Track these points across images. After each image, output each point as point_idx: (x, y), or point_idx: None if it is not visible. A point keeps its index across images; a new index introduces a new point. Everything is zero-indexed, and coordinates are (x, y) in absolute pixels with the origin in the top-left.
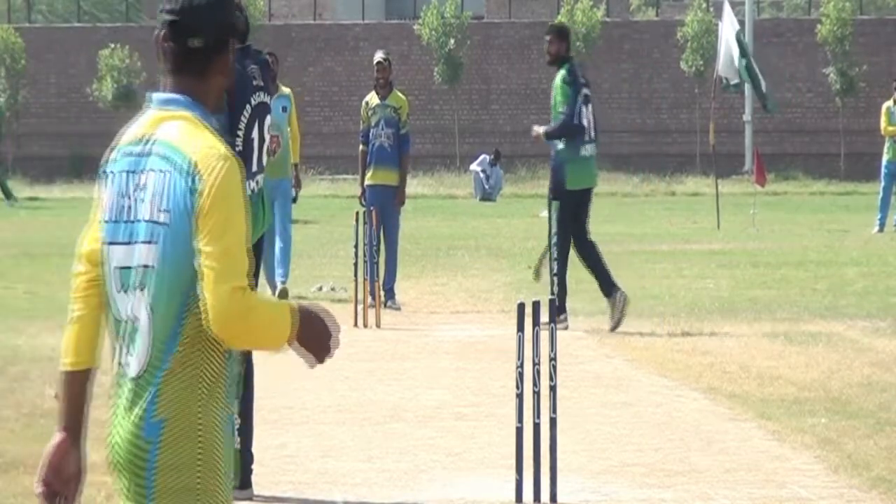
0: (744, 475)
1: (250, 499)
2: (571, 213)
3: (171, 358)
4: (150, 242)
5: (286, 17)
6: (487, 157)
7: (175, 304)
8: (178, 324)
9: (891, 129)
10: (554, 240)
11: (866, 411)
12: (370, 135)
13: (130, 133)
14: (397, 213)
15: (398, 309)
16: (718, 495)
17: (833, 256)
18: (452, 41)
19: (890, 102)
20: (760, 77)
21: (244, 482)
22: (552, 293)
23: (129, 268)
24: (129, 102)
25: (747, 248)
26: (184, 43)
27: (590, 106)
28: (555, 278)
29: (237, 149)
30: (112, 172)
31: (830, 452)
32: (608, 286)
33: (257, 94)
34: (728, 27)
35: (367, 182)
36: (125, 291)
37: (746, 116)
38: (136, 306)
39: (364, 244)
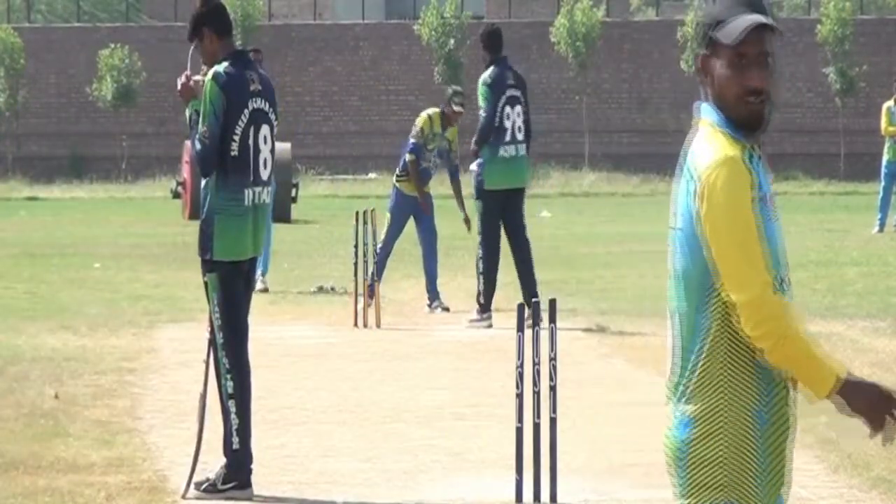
0: None
1: (250, 499)
2: (496, 213)
3: (694, 359)
4: (672, 248)
5: (286, 17)
6: None
7: (693, 307)
8: (697, 325)
9: (891, 129)
10: (479, 238)
11: None
12: (423, 159)
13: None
14: (432, 219)
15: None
16: None
17: (833, 256)
18: (452, 41)
19: (890, 102)
20: None
21: (244, 482)
22: (478, 291)
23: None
24: (128, 102)
25: None
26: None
27: (518, 107)
28: (480, 277)
29: (232, 154)
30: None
31: (830, 452)
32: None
33: (254, 99)
34: None
35: (405, 191)
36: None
37: None
38: (671, 311)
39: (364, 244)
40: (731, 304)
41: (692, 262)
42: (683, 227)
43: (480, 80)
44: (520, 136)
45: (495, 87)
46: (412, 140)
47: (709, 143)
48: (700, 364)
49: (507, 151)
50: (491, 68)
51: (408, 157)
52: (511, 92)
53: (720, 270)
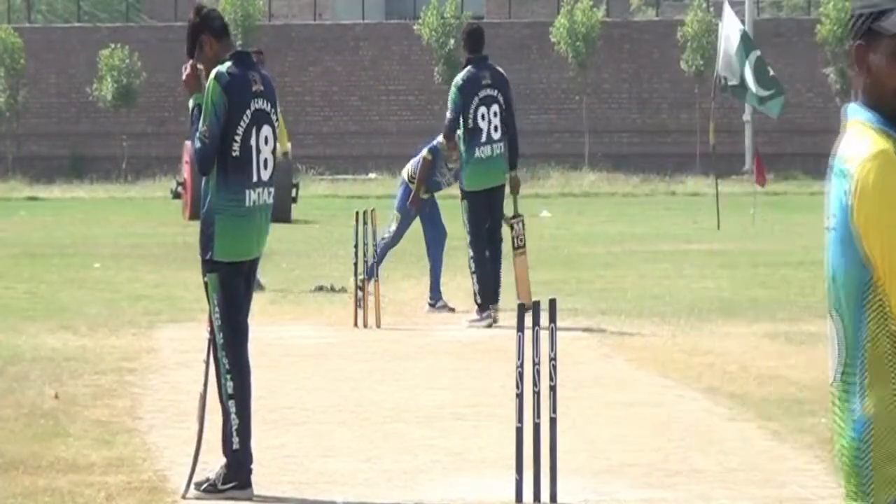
0: (744, 475)
1: (250, 499)
2: (480, 213)
3: (860, 359)
4: (827, 249)
5: (286, 17)
6: None
7: (853, 306)
8: (859, 326)
9: None
10: (468, 239)
11: None
12: (438, 170)
13: None
14: (439, 215)
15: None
16: (718, 495)
17: None
18: (452, 41)
19: None
20: (768, 79)
21: (244, 482)
22: (474, 290)
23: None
24: (129, 102)
25: (747, 248)
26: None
27: (494, 106)
28: (474, 276)
29: (234, 154)
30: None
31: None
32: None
33: (256, 100)
34: (732, 27)
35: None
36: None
37: (746, 116)
38: (831, 310)
39: (364, 244)
40: (889, 298)
41: (848, 261)
42: (837, 226)
43: (453, 82)
44: (496, 136)
45: (465, 90)
46: (436, 143)
47: (858, 140)
48: (865, 362)
49: (483, 152)
50: (466, 68)
51: (425, 152)
52: (486, 92)
53: (876, 265)
